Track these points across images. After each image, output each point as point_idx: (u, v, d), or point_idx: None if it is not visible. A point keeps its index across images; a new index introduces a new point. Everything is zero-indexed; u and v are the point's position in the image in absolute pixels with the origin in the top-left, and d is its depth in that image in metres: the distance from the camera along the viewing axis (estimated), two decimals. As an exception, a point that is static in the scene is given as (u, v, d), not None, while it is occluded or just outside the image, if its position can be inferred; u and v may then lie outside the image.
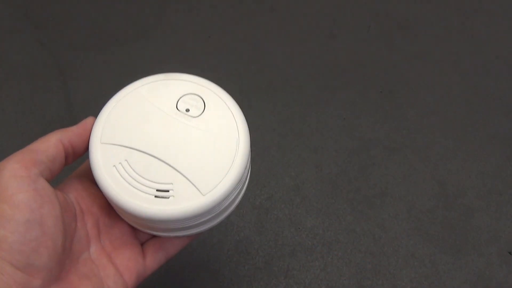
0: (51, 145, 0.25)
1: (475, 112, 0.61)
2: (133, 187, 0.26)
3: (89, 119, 0.28)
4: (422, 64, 0.67)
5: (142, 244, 0.31)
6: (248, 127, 0.29)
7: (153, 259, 0.30)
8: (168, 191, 0.26)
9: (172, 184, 0.26)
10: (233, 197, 0.28)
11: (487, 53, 0.68)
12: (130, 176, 0.26)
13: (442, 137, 0.58)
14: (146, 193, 0.26)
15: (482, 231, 0.50)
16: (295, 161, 0.55)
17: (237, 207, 0.31)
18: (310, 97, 0.61)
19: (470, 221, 0.51)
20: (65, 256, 0.25)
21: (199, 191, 0.26)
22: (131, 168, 0.26)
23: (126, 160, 0.26)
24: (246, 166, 0.28)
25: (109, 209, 0.29)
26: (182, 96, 0.29)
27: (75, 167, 0.31)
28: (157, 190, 0.26)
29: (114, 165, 0.26)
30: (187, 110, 0.28)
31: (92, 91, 0.60)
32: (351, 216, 0.51)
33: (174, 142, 0.27)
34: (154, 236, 0.31)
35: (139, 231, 0.30)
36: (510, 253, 0.49)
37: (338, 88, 0.63)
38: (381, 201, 0.52)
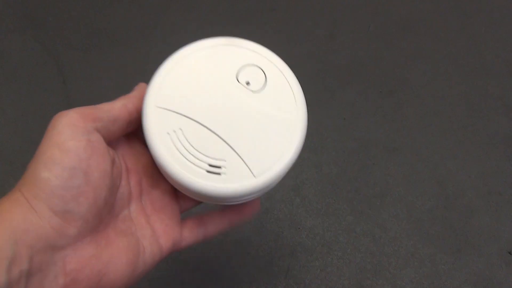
0: (115, 107, 0.26)
1: (475, 112, 0.61)
2: (186, 158, 0.25)
3: (142, 84, 0.28)
4: (422, 64, 0.67)
5: (181, 213, 0.30)
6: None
7: (190, 233, 0.29)
8: (220, 167, 0.25)
9: (225, 161, 0.25)
10: (280, 180, 0.28)
11: (487, 53, 0.68)
12: (184, 147, 0.25)
13: (442, 137, 0.58)
14: (198, 166, 0.25)
15: (482, 231, 0.50)
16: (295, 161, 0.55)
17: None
18: (310, 97, 0.61)
19: (470, 221, 0.51)
20: (106, 211, 0.25)
21: (251, 172, 0.25)
22: (185, 138, 0.26)
23: (180, 129, 0.26)
24: (299, 152, 0.27)
25: (152, 169, 0.29)
26: (244, 66, 0.28)
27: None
28: (210, 165, 0.25)
29: (168, 133, 0.26)
30: (248, 83, 0.27)
31: (92, 91, 0.60)
32: (351, 216, 0.51)
33: (231, 117, 0.26)
34: (194, 204, 0.31)
35: (180, 197, 0.30)
36: (510, 253, 0.49)
37: (338, 88, 0.63)
38: (381, 201, 0.52)
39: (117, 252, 0.25)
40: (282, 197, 0.52)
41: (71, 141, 0.23)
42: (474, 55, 0.68)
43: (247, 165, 0.25)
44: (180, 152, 0.25)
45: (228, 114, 0.26)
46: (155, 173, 0.29)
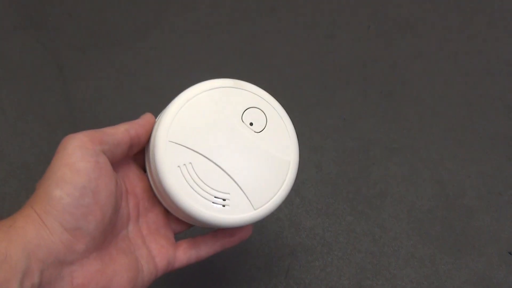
0: (118, 131, 0.27)
1: (475, 112, 0.61)
2: (194, 190, 0.28)
3: (148, 114, 0.30)
4: (422, 64, 0.67)
5: (175, 235, 0.32)
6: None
7: (184, 254, 0.31)
8: (224, 200, 0.28)
9: (229, 194, 0.28)
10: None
11: (487, 53, 0.68)
12: (192, 179, 0.28)
13: (442, 137, 0.58)
14: (204, 198, 0.28)
15: (482, 231, 0.50)
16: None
17: None
18: (310, 97, 0.61)
19: (470, 221, 0.51)
20: (110, 229, 0.27)
21: (252, 205, 0.28)
22: (194, 171, 0.28)
23: (190, 163, 0.28)
24: (291, 187, 0.31)
25: (149, 193, 0.31)
26: (248, 108, 0.30)
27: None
28: (215, 197, 0.28)
29: (179, 166, 0.28)
30: (251, 124, 0.30)
31: (92, 91, 0.60)
32: (351, 216, 0.51)
33: (236, 154, 0.29)
34: (185, 228, 0.33)
35: (172, 221, 0.32)
36: (510, 253, 0.49)
37: (338, 88, 0.63)
38: (381, 201, 0.52)
39: (120, 269, 0.26)
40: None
41: (81, 162, 0.24)
42: (474, 55, 0.68)
43: (248, 199, 0.28)
44: (189, 184, 0.28)
45: (234, 152, 0.29)
46: (151, 197, 0.31)
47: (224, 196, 0.28)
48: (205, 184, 0.28)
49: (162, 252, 0.30)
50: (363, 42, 0.69)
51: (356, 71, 0.65)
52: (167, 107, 0.30)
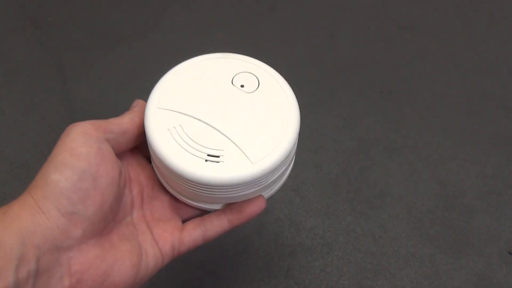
0: (124, 121, 0.27)
1: (475, 112, 0.61)
2: (185, 150, 0.26)
3: (140, 101, 0.30)
4: (422, 64, 0.67)
5: (183, 221, 0.31)
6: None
7: (189, 236, 0.30)
8: (218, 156, 0.26)
9: (223, 150, 0.27)
10: (279, 172, 0.29)
11: (487, 53, 0.68)
12: (183, 140, 0.27)
13: (442, 137, 0.58)
14: (197, 156, 0.26)
15: (482, 231, 0.50)
16: (295, 161, 0.55)
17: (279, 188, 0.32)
18: (310, 97, 0.61)
19: (470, 221, 0.51)
20: (111, 216, 0.26)
21: (249, 159, 0.26)
22: (184, 132, 0.27)
23: (180, 125, 0.27)
24: (295, 143, 0.29)
25: (153, 182, 0.31)
26: (238, 73, 0.30)
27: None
28: (208, 155, 0.26)
29: (168, 129, 0.27)
30: (242, 86, 0.29)
31: (92, 91, 0.60)
32: (351, 216, 0.51)
33: (228, 112, 0.28)
34: (193, 215, 0.31)
35: (180, 207, 0.31)
36: (510, 253, 0.49)
37: (338, 88, 0.63)
38: (381, 201, 0.52)
39: (121, 255, 0.26)
40: (282, 197, 0.52)
41: (83, 147, 0.24)
42: (474, 55, 0.68)
43: (244, 154, 0.27)
44: (179, 145, 0.27)
45: (225, 110, 0.28)
46: (156, 185, 0.31)
47: (217, 153, 0.27)
48: (196, 143, 0.27)
49: (165, 236, 0.29)
50: (363, 42, 0.69)
51: (356, 71, 0.65)
52: (157, 83, 0.30)
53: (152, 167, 0.31)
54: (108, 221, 0.26)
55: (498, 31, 0.72)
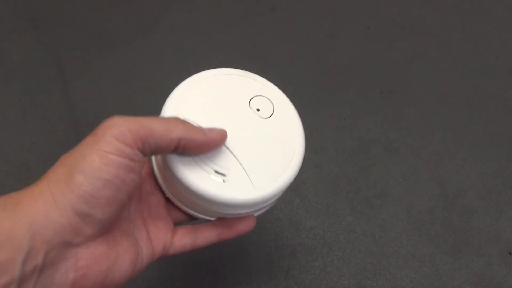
0: (168, 137, 0.25)
1: (475, 112, 0.61)
2: (194, 161, 0.27)
3: (220, 132, 0.27)
4: (422, 64, 0.67)
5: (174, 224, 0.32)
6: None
7: (179, 241, 0.30)
8: (224, 175, 0.27)
9: (229, 170, 0.27)
10: (277, 198, 0.30)
11: (487, 53, 0.68)
12: None
13: (442, 137, 0.58)
14: (203, 170, 0.27)
15: (482, 231, 0.50)
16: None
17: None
18: (310, 97, 0.61)
19: (470, 221, 0.51)
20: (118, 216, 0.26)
21: (252, 184, 0.27)
22: None
23: None
24: (297, 173, 0.30)
25: (151, 177, 0.31)
26: (256, 96, 0.31)
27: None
28: (215, 171, 0.27)
29: None
30: (258, 110, 0.30)
31: (92, 91, 0.60)
32: (351, 216, 0.51)
33: (241, 134, 0.29)
34: (184, 219, 0.32)
35: (171, 210, 0.32)
36: (510, 253, 0.49)
37: (338, 88, 0.63)
38: (381, 201, 0.52)
39: (123, 251, 0.26)
40: (282, 197, 0.52)
41: (115, 156, 0.23)
42: (474, 55, 0.68)
43: (249, 178, 0.27)
44: (190, 156, 0.27)
45: (238, 132, 0.29)
46: (153, 181, 0.31)
47: (224, 171, 0.27)
48: (206, 157, 0.27)
49: (159, 236, 0.29)
50: (363, 42, 0.69)
51: (356, 71, 0.65)
52: (176, 87, 0.30)
53: (150, 163, 0.31)
54: (115, 220, 0.26)
55: (498, 31, 0.72)
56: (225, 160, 0.28)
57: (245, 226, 0.32)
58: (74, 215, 0.22)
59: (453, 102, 0.62)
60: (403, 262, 0.48)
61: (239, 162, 0.28)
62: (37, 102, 0.59)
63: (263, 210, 0.32)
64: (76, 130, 0.56)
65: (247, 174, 0.27)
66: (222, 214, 0.30)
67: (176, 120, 0.26)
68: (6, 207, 0.21)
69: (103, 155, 0.23)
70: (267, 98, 0.31)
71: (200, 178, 0.27)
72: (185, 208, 0.31)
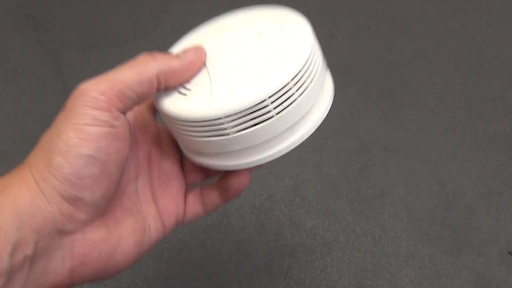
0: (145, 81, 0.22)
1: (475, 112, 0.61)
2: (176, 90, 0.24)
3: (196, 51, 0.25)
4: (422, 64, 0.67)
5: (187, 187, 0.29)
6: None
7: (191, 210, 0.28)
8: (190, 90, 0.24)
9: (196, 85, 0.24)
10: (249, 124, 0.23)
11: (487, 53, 0.68)
12: None
13: (442, 137, 0.58)
14: (176, 89, 0.24)
15: (482, 231, 0.50)
16: (295, 161, 0.55)
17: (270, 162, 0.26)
18: (310, 97, 0.61)
19: (470, 221, 0.51)
20: (115, 193, 0.23)
21: (211, 96, 0.23)
22: None
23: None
24: (279, 90, 0.22)
25: (161, 140, 0.28)
26: (265, 21, 0.27)
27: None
28: (183, 87, 0.24)
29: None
30: (261, 32, 0.26)
31: (92, 91, 0.60)
32: (351, 216, 0.51)
33: (226, 55, 0.25)
34: (200, 179, 0.29)
35: (187, 171, 0.29)
36: (510, 253, 0.49)
37: (338, 88, 0.63)
38: (381, 201, 0.52)
39: (125, 233, 0.24)
40: (282, 197, 0.52)
41: (92, 127, 0.20)
42: (474, 55, 0.68)
43: (211, 90, 0.23)
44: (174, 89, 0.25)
45: (226, 53, 0.25)
46: (164, 144, 0.28)
47: (190, 86, 0.24)
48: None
49: (171, 208, 0.27)
50: (363, 42, 0.69)
51: (356, 71, 0.65)
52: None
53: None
54: (113, 198, 0.23)
55: (498, 31, 0.72)
56: (198, 77, 0.24)
57: (239, 181, 0.27)
58: (62, 201, 0.20)
59: (453, 102, 0.62)
60: (403, 262, 0.48)
61: (209, 78, 0.24)
62: (37, 102, 0.59)
63: (264, 155, 0.25)
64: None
65: (211, 88, 0.23)
66: (206, 147, 0.25)
67: (145, 56, 0.23)
68: None
69: (78, 128, 0.20)
70: (278, 22, 0.27)
71: (168, 98, 0.24)
72: (190, 154, 0.27)
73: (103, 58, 0.64)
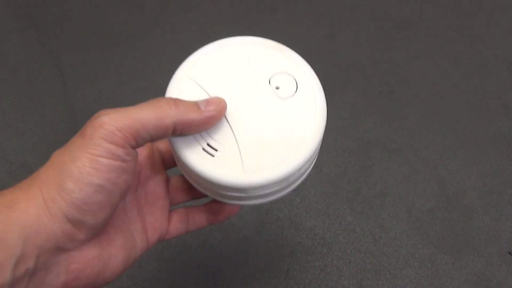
0: (162, 126, 0.23)
1: (475, 112, 0.61)
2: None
3: (218, 104, 0.25)
4: (422, 64, 0.67)
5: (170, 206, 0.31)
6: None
7: (175, 228, 0.30)
8: (216, 150, 0.25)
9: (223, 146, 0.25)
10: (270, 190, 0.27)
11: (487, 53, 0.68)
12: None
13: (442, 137, 0.58)
14: (196, 140, 0.25)
15: (482, 231, 0.50)
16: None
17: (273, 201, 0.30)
18: (310, 97, 0.61)
19: (470, 221, 0.51)
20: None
21: (243, 166, 0.25)
22: None
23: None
24: (301, 168, 0.27)
25: (152, 161, 0.30)
26: (279, 73, 0.28)
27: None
28: (207, 144, 0.25)
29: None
30: (277, 88, 0.27)
31: (92, 91, 0.60)
32: (351, 216, 0.51)
33: (248, 112, 0.26)
34: (183, 200, 0.31)
35: (172, 192, 0.31)
36: (510, 253, 0.49)
37: (338, 88, 0.63)
38: (381, 201, 0.52)
39: (116, 251, 0.25)
40: (282, 197, 0.52)
41: (105, 159, 0.22)
42: (474, 55, 0.68)
43: (241, 159, 0.25)
44: None
45: (246, 109, 0.26)
46: (154, 164, 0.30)
47: (217, 146, 0.25)
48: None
49: (156, 226, 0.29)
50: (363, 42, 0.69)
51: (356, 71, 0.65)
52: (195, 51, 0.28)
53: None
54: (109, 220, 0.25)
55: (498, 31, 0.72)
56: (221, 135, 0.25)
57: (228, 212, 0.31)
58: (66, 222, 0.22)
59: (453, 102, 0.62)
60: (403, 262, 0.48)
61: (236, 140, 0.25)
62: (37, 102, 0.59)
63: (258, 201, 0.28)
64: (76, 130, 0.56)
65: (240, 154, 0.25)
66: (212, 193, 0.28)
67: (167, 102, 0.24)
68: (0, 209, 0.21)
69: (93, 159, 0.22)
70: (292, 77, 0.28)
71: (190, 147, 0.25)
72: (196, 185, 0.29)
73: (103, 58, 0.64)
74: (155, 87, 0.61)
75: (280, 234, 0.49)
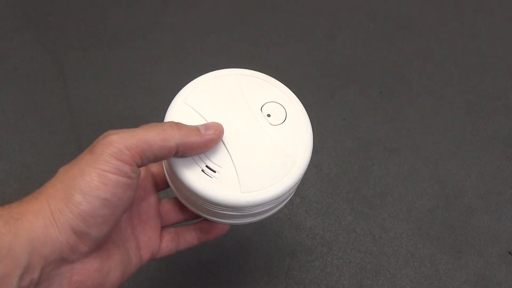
0: (166, 147, 0.25)
1: (475, 112, 0.61)
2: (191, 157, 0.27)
3: (216, 128, 0.27)
4: (422, 64, 0.67)
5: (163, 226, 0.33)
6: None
7: (166, 247, 0.32)
8: (215, 171, 0.27)
9: (221, 168, 0.27)
10: (263, 209, 0.29)
11: (487, 53, 0.68)
12: None
13: (442, 137, 0.58)
14: (196, 162, 0.27)
15: (482, 231, 0.50)
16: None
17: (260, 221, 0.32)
18: (310, 97, 0.61)
19: (470, 221, 0.51)
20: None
21: (240, 187, 0.27)
22: None
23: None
24: (291, 189, 0.29)
25: (146, 182, 0.32)
26: (270, 102, 0.31)
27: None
28: (206, 166, 0.27)
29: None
30: (268, 116, 0.30)
31: (92, 91, 0.60)
32: (351, 216, 0.51)
33: (243, 137, 0.29)
34: (174, 222, 0.33)
35: (163, 213, 0.32)
36: (510, 253, 0.49)
37: (338, 88, 0.63)
38: (381, 201, 0.52)
39: (114, 265, 0.27)
40: (270, 216, 0.52)
41: (113, 175, 0.23)
42: (474, 55, 0.68)
43: (239, 180, 0.27)
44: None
45: (242, 133, 0.29)
46: (147, 186, 0.32)
47: (216, 168, 0.27)
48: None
49: (148, 244, 0.30)
50: (363, 42, 0.69)
51: (356, 71, 0.65)
52: (191, 81, 0.31)
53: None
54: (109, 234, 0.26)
55: (498, 31, 0.72)
56: (219, 158, 0.28)
57: (219, 230, 0.33)
58: (71, 233, 0.23)
59: (453, 102, 0.62)
60: (403, 262, 0.48)
61: (233, 163, 0.28)
62: (37, 102, 0.59)
63: (252, 219, 0.31)
64: (76, 130, 0.56)
65: (237, 176, 0.27)
66: (207, 212, 0.30)
67: (171, 126, 0.26)
68: (8, 221, 0.22)
69: (101, 174, 0.23)
70: (282, 107, 0.31)
71: (189, 169, 0.27)
72: (181, 198, 0.31)
73: (103, 58, 0.64)
74: (155, 87, 0.61)
75: (280, 234, 0.49)
